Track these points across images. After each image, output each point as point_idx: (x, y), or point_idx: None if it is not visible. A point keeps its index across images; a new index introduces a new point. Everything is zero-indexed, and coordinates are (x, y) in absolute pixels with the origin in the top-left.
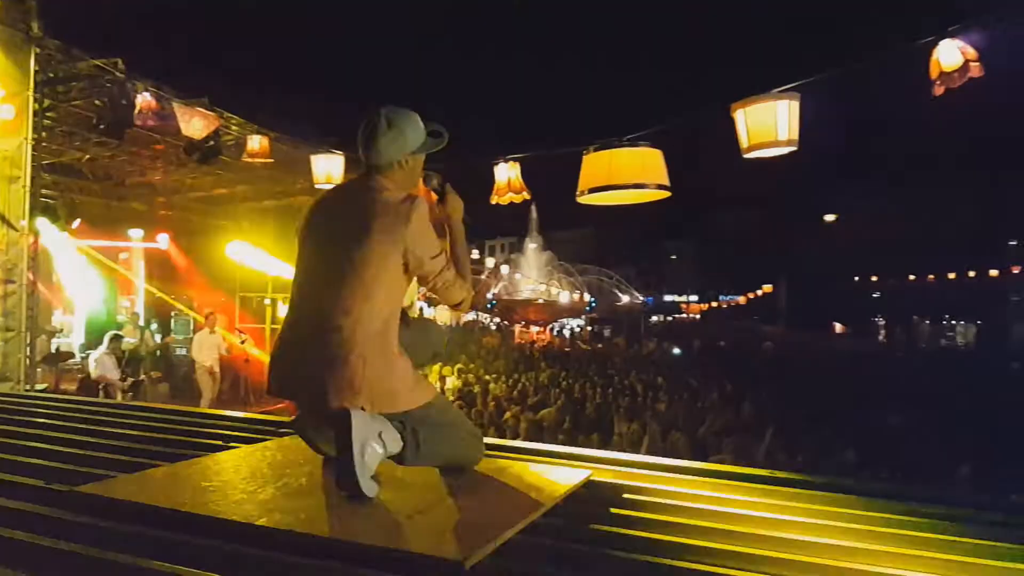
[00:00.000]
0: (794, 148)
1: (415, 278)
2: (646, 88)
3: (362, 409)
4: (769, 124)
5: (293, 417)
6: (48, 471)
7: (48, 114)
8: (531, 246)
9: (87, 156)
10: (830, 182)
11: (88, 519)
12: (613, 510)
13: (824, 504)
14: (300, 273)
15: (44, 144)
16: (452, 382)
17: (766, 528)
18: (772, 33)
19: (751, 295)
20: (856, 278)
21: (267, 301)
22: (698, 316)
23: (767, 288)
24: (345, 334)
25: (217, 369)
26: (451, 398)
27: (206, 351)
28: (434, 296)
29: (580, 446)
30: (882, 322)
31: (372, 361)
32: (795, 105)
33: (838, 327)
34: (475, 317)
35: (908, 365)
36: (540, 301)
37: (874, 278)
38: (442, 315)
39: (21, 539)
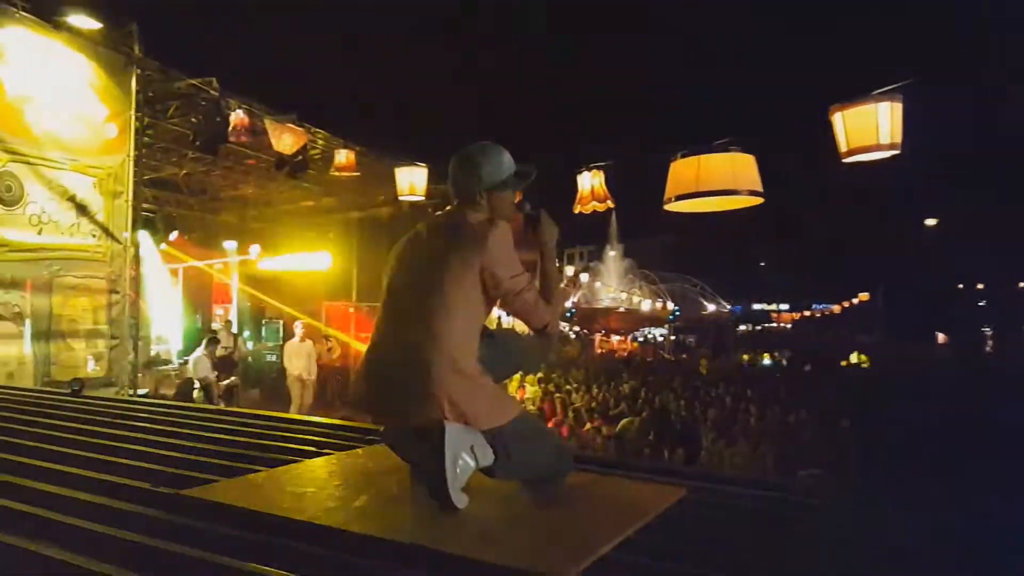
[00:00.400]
0: (896, 152)
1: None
2: (737, 92)
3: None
4: (870, 127)
5: (382, 428)
6: (154, 474)
7: (148, 132)
8: (611, 254)
9: (184, 171)
10: (930, 184)
11: (192, 522)
12: (708, 528)
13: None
14: (386, 297)
15: (144, 160)
16: (532, 391)
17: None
18: (872, 33)
19: (846, 303)
20: (960, 285)
21: (351, 309)
22: (789, 325)
23: (863, 296)
24: (424, 356)
25: (307, 376)
26: (530, 407)
27: (295, 360)
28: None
29: (666, 460)
30: (990, 332)
31: (451, 382)
32: (898, 107)
33: (941, 337)
34: None
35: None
36: (621, 309)
37: (980, 285)
38: (522, 324)
39: (131, 539)
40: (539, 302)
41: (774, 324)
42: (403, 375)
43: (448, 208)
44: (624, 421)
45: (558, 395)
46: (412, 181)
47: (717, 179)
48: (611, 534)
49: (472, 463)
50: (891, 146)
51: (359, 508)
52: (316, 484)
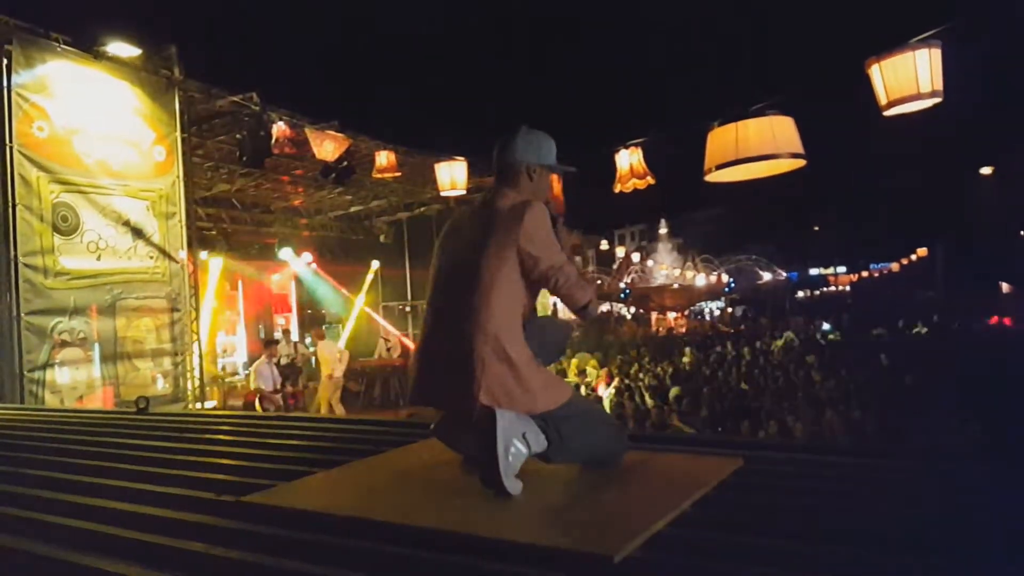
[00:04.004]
0: (939, 100)
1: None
2: (769, 52)
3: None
4: (909, 76)
5: (434, 423)
6: (217, 483)
7: (196, 151)
8: (662, 231)
9: (235, 187)
10: (983, 132)
11: (254, 527)
12: (769, 498)
13: None
14: (432, 285)
15: (195, 180)
16: (592, 374)
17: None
18: None
19: (905, 261)
20: (1022, 232)
21: (407, 308)
22: (847, 288)
23: (922, 252)
24: (466, 339)
25: (336, 374)
26: (588, 392)
27: (330, 360)
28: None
29: (729, 433)
30: None
31: (492, 365)
32: (936, 53)
33: (1005, 287)
34: (610, 308)
35: None
36: (675, 286)
37: None
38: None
39: (196, 549)
40: (580, 279)
41: (832, 288)
42: (450, 364)
43: (486, 191)
44: (686, 399)
45: (618, 376)
46: (453, 176)
47: (756, 144)
48: (666, 510)
49: (524, 450)
50: (932, 94)
51: (414, 501)
52: (372, 481)
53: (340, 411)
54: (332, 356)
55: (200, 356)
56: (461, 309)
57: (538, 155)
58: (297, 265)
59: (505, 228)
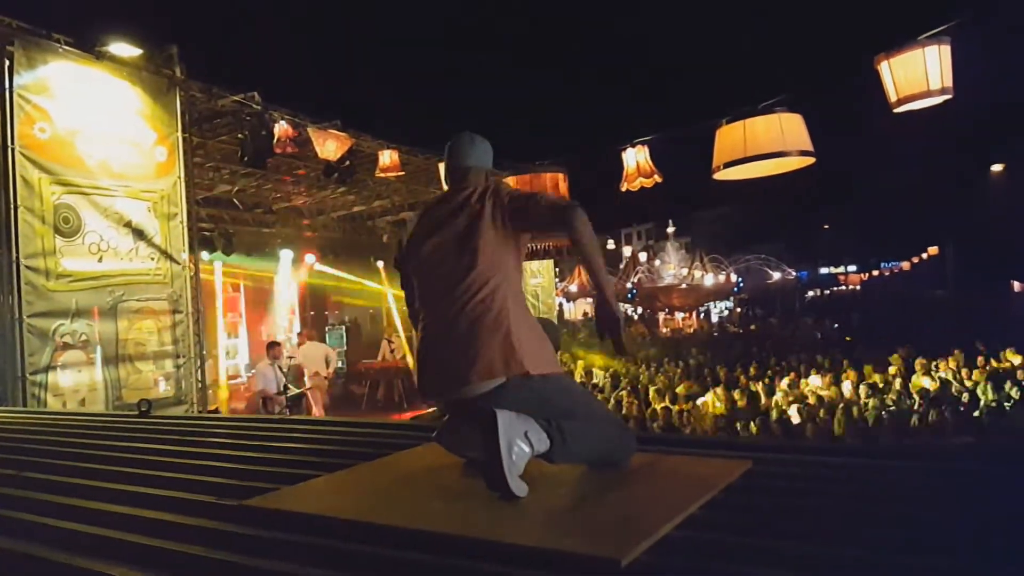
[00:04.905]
0: (949, 96)
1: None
2: (778, 49)
3: (506, 409)
4: (919, 73)
5: (436, 431)
6: (219, 487)
7: (197, 152)
8: (669, 230)
9: (237, 188)
10: (994, 129)
11: (256, 531)
12: (778, 500)
13: None
14: (418, 284)
15: (196, 181)
16: (599, 375)
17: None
18: None
19: (915, 259)
20: None
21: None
22: (858, 287)
23: (932, 250)
24: (457, 324)
25: (323, 372)
26: (594, 389)
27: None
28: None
29: (739, 433)
30: None
31: (480, 338)
32: (946, 50)
33: (1016, 286)
34: None
35: None
36: (683, 286)
37: None
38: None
39: (198, 553)
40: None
41: (842, 287)
42: (454, 345)
43: (439, 196)
44: (696, 400)
45: (625, 376)
46: None
47: (765, 142)
48: (674, 512)
49: (527, 449)
50: (942, 91)
51: (418, 505)
52: (375, 485)
53: (316, 413)
54: (315, 360)
55: (202, 358)
56: (443, 298)
57: (488, 159)
58: (300, 265)
59: (468, 208)
